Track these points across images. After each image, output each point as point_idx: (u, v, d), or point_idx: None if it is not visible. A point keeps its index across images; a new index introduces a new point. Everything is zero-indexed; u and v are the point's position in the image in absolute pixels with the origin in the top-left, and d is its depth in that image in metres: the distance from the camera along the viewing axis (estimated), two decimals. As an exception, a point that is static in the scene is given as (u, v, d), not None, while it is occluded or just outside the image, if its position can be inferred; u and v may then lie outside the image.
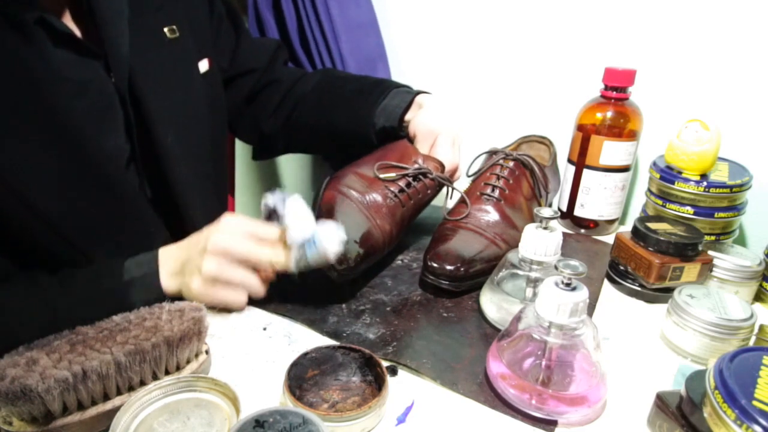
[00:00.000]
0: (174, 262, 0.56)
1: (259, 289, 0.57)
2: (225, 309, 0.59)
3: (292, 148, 0.88)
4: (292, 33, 0.97)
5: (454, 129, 0.70)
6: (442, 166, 0.69)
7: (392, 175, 0.66)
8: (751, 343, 0.54)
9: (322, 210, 0.60)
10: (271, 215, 0.56)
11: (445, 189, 0.70)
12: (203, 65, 0.70)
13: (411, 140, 0.72)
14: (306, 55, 0.98)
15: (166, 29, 0.65)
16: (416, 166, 0.67)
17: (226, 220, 0.56)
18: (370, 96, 0.73)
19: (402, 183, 0.66)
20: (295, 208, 0.54)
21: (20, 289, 0.53)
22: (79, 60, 0.56)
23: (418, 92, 0.73)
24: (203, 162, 0.70)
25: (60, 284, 0.53)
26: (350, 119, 0.74)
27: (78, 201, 0.55)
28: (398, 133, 0.73)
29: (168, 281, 0.55)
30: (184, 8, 0.68)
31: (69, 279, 0.54)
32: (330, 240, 0.53)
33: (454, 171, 0.71)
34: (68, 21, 0.57)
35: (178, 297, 0.56)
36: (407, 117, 0.72)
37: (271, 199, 0.56)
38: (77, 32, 0.57)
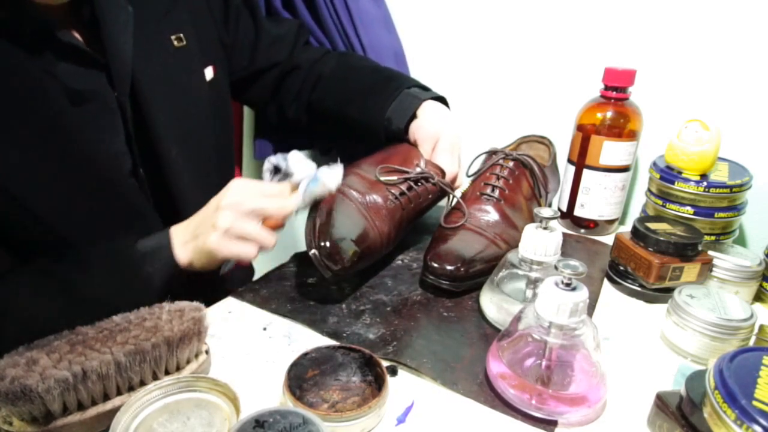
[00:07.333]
0: (185, 232, 0.58)
1: (269, 239, 0.57)
2: (225, 309, 0.60)
3: (316, 137, 0.93)
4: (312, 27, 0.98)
5: (452, 135, 0.72)
6: (442, 172, 0.69)
7: (393, 178, 0.66)
8: (751, 343, 0.54)
9: (321, 209, 0.60)
10: (274, 176, 0.61)
11: (446, 196, 0.71)
12: (209, 72, 0.70)
13: (412, 144, 0.73)
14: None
15: (173, 37, 0.65)
16: (419, 170, 0.67)
17: (235, 182, 0.58)
18: (383, 94, 0.75)
19: (404, 186, 0.66)
20: (297, 157, 0.60)
21: (29, 277, 0.54)
22: (82, 70, 0.57)
23: (427, 97, 0.74)
24: (208, 171, 0.71)
25: (75, 266, 0.55)
26: (362, 114, 0.76)
27: (77, 206, 0.56)
28: (402, 137, 0.73)
29: (180, 251, 0.57)
30: (190, 14, 0.68)
31: (83, 259, 0.55)
32: (330, 174, 0.58)
33: (453, 179, 0.72)
34: (72, 31, 0.57)
35: (190, 270, 0.58)
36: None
37: (273, 159, 0.60)
38: (80, 42, 0.57)
